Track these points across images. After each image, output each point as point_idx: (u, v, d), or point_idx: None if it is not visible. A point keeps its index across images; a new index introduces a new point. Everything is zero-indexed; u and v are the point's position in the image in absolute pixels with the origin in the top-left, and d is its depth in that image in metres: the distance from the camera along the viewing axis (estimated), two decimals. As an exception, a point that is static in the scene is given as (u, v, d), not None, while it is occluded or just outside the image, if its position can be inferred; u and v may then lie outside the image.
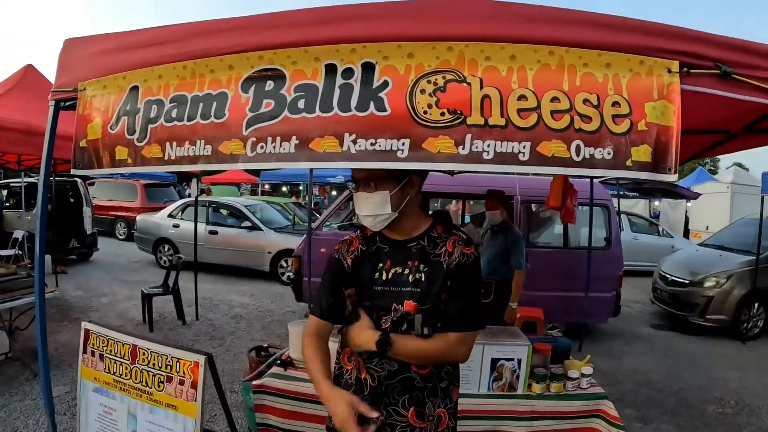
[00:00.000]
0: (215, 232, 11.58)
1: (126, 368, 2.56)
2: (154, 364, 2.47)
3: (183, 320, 7.53)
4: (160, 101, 2.31)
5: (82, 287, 9.73)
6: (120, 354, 2.60)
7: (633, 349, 7.37)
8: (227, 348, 6.52)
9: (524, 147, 1.87)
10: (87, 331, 2.76)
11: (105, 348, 2.66)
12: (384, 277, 1.99)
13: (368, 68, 1.93)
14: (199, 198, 9.06)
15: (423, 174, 2.07)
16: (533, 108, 1.87)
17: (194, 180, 7.96)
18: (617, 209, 8.87)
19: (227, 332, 7.25)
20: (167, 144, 2.26)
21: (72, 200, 12.95)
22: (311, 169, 6.68)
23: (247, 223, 11.56)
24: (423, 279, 1.93)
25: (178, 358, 2.41)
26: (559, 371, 3.45)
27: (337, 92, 1.95)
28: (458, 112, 1.87)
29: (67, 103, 2.80)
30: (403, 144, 1.89)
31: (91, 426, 2.76)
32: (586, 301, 6.64)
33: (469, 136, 1.86)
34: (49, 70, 4.35)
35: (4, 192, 13.90)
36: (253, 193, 28.23)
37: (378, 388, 1.97)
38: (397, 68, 1.91)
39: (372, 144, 1.91)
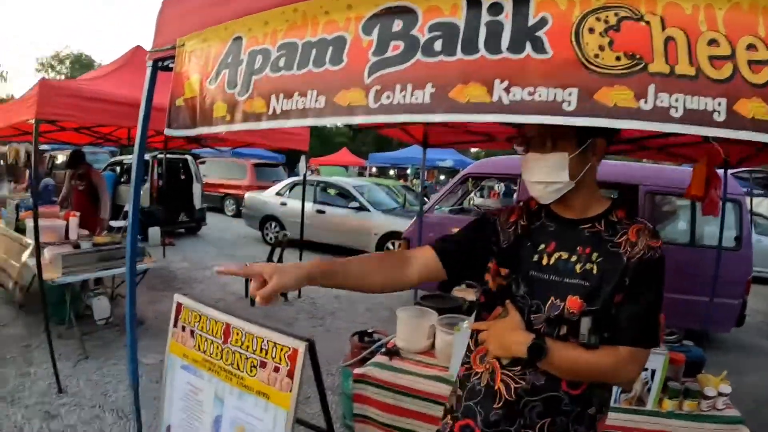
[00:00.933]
0: (322, 212, 11.60)
1: (217, 348, 2.33)
2: (248, 347, 2.21)
3: (285, 297, 7.45)
4: (266, 50, 2.01)
5: (188, 259, 10.04)
6: (212, 332, 2.36)
7: (755, 364, 6.56)
8: (327, 328, 6.41)
9: (719, 104, 1.36)
10: (179, 304, 2.56)
11: (197, 324, 2.44)
12: (545, 262, 1.61)
13: (521, 2, 1.50)
14: (308, 177, 9.06)
15: (609, 137, 1.65)
16: (727, 56, 1.37)
17: (303, 157, 7.94)
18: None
19: (328, 312, 7.14)
20: (272, 97, 1.95)
21: (183, 177, 13.46)
22: (425, 149, 6.33)
23: (354, 204, 11.46)
24: (594, 271, 1.53)
25: (275, 343, 2.13)
26: (694, 387, 2.98)
27: (482, 30, 1.53)
28: (637, 56, 1.39)
29: (165, 62, 2.61)
30: (570, 94, 1.42)
31: (175, 404, 2.57)
32: (711, 307, 5.93)
33: (652, 87, 1.38)
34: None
35: (118, 168, 14.60)
36: (360, 175, 28.45)
37: (514, 405, 1.58)
38: (557, 2, 1.47)
39: (530, 93, 1.45)
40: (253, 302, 6.95)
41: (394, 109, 1.66)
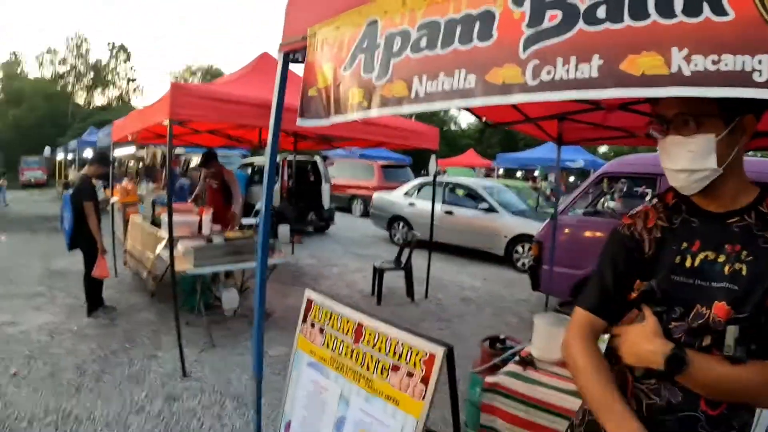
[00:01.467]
0: (451, 212, 11.44)
1: (347, 347, 2.24)
2: (380, 348, 2.09)
3: (412, 297, 7.46)
4: (405, 32, 1.88)
5: (316, 257, 10.30)
6: (343, 330, 2.28)
7: None
8: (453, 331, 6.26)
9: None
10: (310, 301, 2.51)
11: (327, 321, 2.38)
12: (689, 263, 1.36)
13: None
14: (436, 177, 8.98)
15: (759, 114, 1.36)
16: None
17: (433, 157, 7.88)
18: None
19: (455, 314, 7.00)
20: (415, 79, 1.81)
21: (312, 178, 13.86)
22: (559, 147, 6.04)
23: (483, 205, 11.19)
24: (744, 272, 1.27)
25: (411, 346, 2.00)
26: None
27: (651, -8, 1.29)
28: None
29: (296, 54, 2.56)
30: (760, 62, 1.14)
31: (299, 400, 2.52)
32: None
33: None
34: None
35: (250, 169, 15.28)
36: (487, 177, 28.06)
37: (647, 423, 1.33)
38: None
39: (714, 62, 1.19)
40: (379, 300, 7.06)
41: (557, 86, 1.45)
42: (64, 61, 57.97)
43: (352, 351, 2.21)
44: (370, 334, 2.15)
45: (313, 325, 2.45)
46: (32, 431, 4.06)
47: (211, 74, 56.35)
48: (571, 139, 5.93)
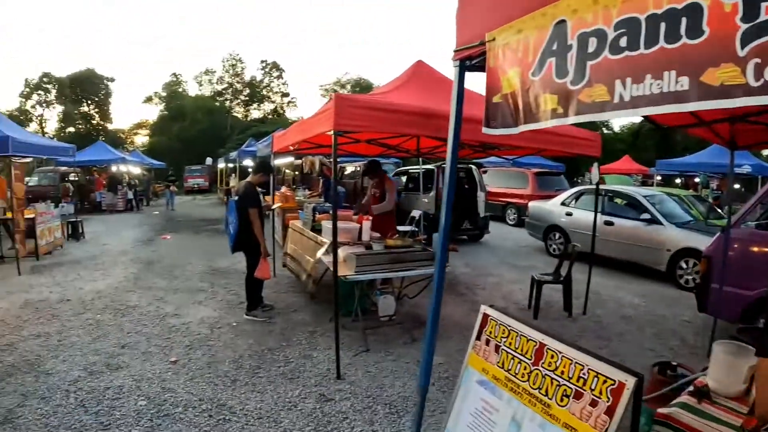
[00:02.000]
0: (611, 223, 10.65)
1: (525, 368, 2.11)
2: (562, 372, 1.95)
3: (569, 312, 7.12)
4: (600, 32, 1.75)
5: (471, 266, 10.21)
6: (522, 350, 2.16)
7: None
8: (613, 351, 5.86)
9: None
10: (486, 316, 2.41)
11: (504, 339, 2.26)
12: None
13: None
14: (593, 186, 8.51)
15: None
16: None
17: (595, 165, 7.43)
18: None
19: (614, 333, 6.59)
20: (617, 82, 1.67)
21: (467, 186, 13.75)
22: (732, 152, 5.52)
23: (645, 216, 10.28)
24: None
25: (598, 373, 1.85)
26: None
27: None
28: None
29: (473, 62, 2.48)
30: None
31: (463, 417, 2.42)
32: None
33: None
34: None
35: (404, 178, 15.50)
36: (644, 184, 26.35)
37: None
38: None
39: None
40: (536, 314, 6.82)
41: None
42: (221, 80, 63.76)
43: (530, 373, 2.08)
44: (552, 356, 2.01)
45: (488, 343, 2.35)
46: (186, 416, 4.33)
47: (360, 86, 58.30)
48: (747, 143, 5.39)
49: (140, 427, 4.18)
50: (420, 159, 10.42)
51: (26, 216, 11.96)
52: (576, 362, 1.93)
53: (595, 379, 1.85)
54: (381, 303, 6.13)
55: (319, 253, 6.52)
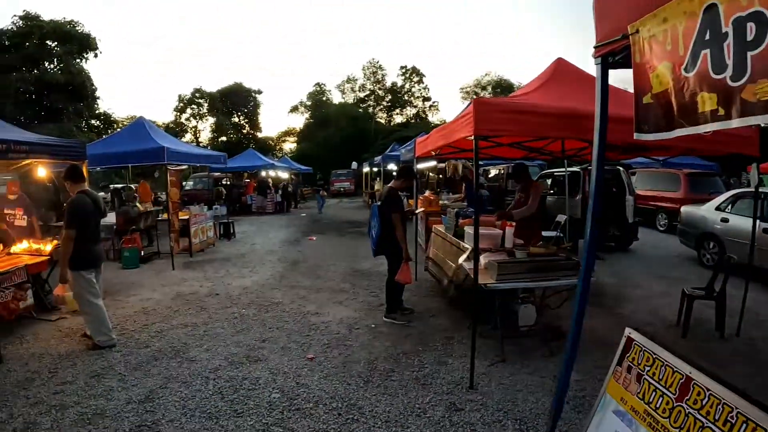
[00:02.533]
0: (771, 231, 9.31)
1: (667, 403, 1.87)
2: (708, 412, 1.69)
3: (721, 332, 6.31)
4: (759, 15, 1.48)
5: (617, 275, 9.60)
6: (666, 382, 1.91)
7: None
8: (767, 380, 5.11)
9: None
10: (630, 340, 2.17)
11: (648, 368, 2.02)
12: None
13: None
14: (751, 189, 7.57)
15: None
16: None
17: (754, 165, 6.50)
18: None
19: (769, 361, 5.78)
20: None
21: (614, 189, 12.93)
22: None
23: (812, 224, 8.81)
24: None
25: (747, 418, 1.57)
26: None
27: None
28: None
29: (617, 58, 2.26)
30: None
31: (597, 446, 2.20)
32: None
33: None
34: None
35: (549, 181, 14.92)
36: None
37: None
38: None
39: None
40: (685, 333, 6.18)
41: None
42: (363, 87, 65.42)
43: (672, 409, 1.84)
44: (698, 393, 1.76)
45: (629, 370, 2.12)
46: (316, 413, 4.42)
47: (501, 87, 57.33)
48: None
49: (271, 418, 4.35)
50: (565, 161, 9.95)
51: (181, 217, 13.05)
52: (725, 403, 1.66)
53: (744, 425, 1.58)
54: (521, 312, 5.91)
55: (461, 260, 6.40)
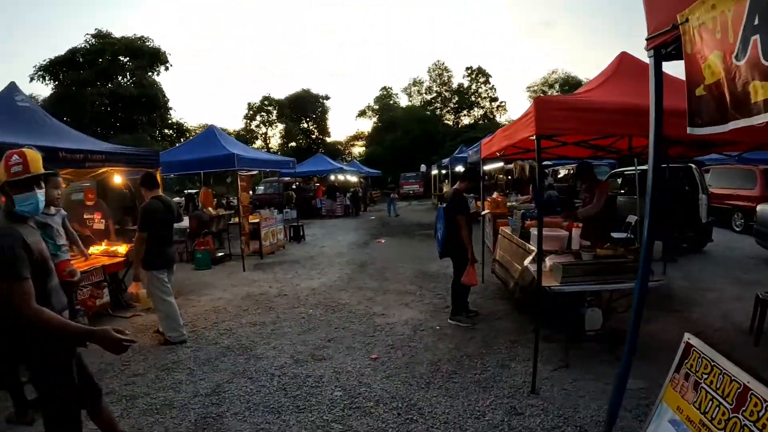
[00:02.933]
0: None
1: (724, 414, 1.78)
2: (764, 425, 1.59)
3: None
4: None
5: (690, 278, 9.19)
6: (722, 391, 1.82)
7: None
8: None
9: None
10: (688, 346, 2.10)
11: (706, 376, 1.93)
12: None
13: None
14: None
15: None
16: None
17: None
18: None
19: None
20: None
21: (687, 187, 12.38)
22: None
23: None
24: None
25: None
26: None
27: None
28: None
29: (669, 49, 2.18)
30: None
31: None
32: None
33: None
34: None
35: (619, 180, 14.41)
36: None
37: None
38: None
39: None
40: (758, 340, 5.81)
41: None
42: (429, 90, 65.03)
43: (728, 420, 1.75)
44: (755, 404, 1.67)
45: (687, 377, 2.04)
46: (376, 411, 4.47)
47: (569, 84, 55.90)
48: None
49: (332, 415, 4.43)
50: (635, 159, 9.62)
51: (251, 221, 13.44)
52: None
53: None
54: (587, 316, 5.72)
55: (526, 261, 6.28)
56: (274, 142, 63.19)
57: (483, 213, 10.77)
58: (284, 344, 6.30)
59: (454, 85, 64.25)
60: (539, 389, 4.76)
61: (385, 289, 9.03)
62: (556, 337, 5.87)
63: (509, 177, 21.17)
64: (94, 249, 8.47)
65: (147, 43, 44.28)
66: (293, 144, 60.65)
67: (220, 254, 13.36)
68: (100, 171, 8.74)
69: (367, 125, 68.11)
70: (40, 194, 2.99)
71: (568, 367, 5.25)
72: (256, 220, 13.64)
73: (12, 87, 8.45)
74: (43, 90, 48.00)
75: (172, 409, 4.70)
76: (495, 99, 64.22)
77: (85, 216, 9.23)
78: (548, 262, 5.56)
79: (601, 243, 6.06)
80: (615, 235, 7.54)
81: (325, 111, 64.30)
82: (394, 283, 9.59)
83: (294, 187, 27.24)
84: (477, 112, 64.29)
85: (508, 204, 11.86)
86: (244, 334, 6.72)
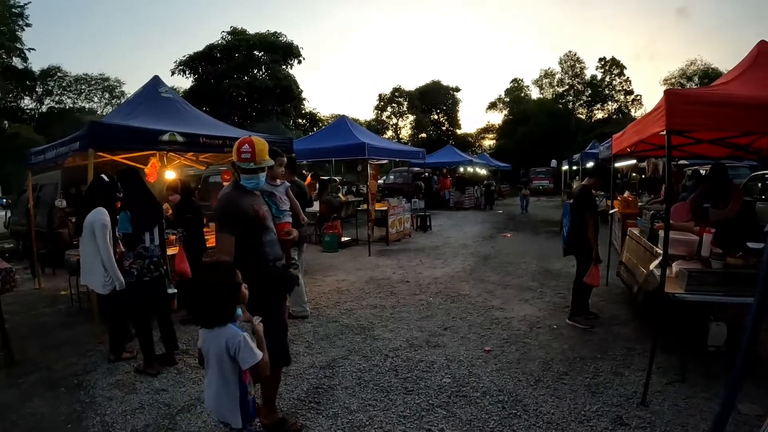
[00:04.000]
0: None
1: None
2: None
3: None
4: None
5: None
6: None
7: None
8: None
9: None
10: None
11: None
12: None
13: None
14: None
15: None
16: None
17: None
18: None
19: None
20: None
21: None
22: None
23: None
24: None
25: None
26: None
27: None
28: None
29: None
30: None
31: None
32: None
33: None
34: None
35: (760, 184, 13.25)
36: None
37: None
38: None
39: None
40: None
41: None
42: (561, 82, 62.62)
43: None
44: None
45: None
46: (481, 402, 4.54)
47: (709, 77, 51.46)
48: None
49: (438, 400, 4.57)
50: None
51: (379, 208, 13.84)
52: None
53: None
54: (711, 330, 5.30)
55: (652, 265, 5.98)
56: (405, 132, 64.26)
57: (611, 212, 10.40)
58: (401, 328, 6.54)
59: (587, 77, 61.45)
60: (649, 401, 4.54)
61: (506, 284, 9.02)
62: (676, 349, 5.51)
63: (642, 176, 20.02)
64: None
65: (280, 38, 47.65)
66: (423, 135, 61.32)
67: (346, 239, 13.89)
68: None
69: (497, 118, 67.26)
70: (262, 176, 3.86)
71: (684, 383, 4.93)
72: (384, 208, 14.04)
73: (156, 80, 9.32)
74: (184, 83, 52.72)
75: (288, 377, 5.09)
76: (630, 92, 60.62)
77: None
78: (675, 267, 5.26)
79: (733, 252, 5.66)
80: (751, 245, 6.97)
81: (455, 102, 64.44)
82: (516, 278, 9.54)
83: (423, 177, 27.53)
84: (611, 106, 61.18)
85: (639, 204, 11.36)
86: (364, 316, 7.05)
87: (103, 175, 5.64)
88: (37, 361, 5.89)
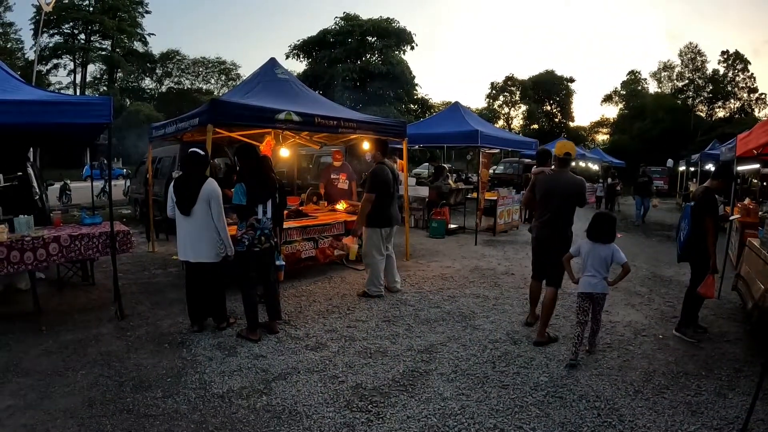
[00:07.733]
0: None
1: None
2: None
3: None
4: None
5: None
6: None
7: None
8: None
9: None
10: None
11: None
12: None
13: None
14: None
15: None
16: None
17: None
18: None
19: None
20: None
21: None
22: None
23: None
24: None
25: None
26: None
27: None
28: None
29: None
30: None
31: None
32: None
33: None
34: None
35: None
36: None
37: None
38: None
39: None
40: None
41: None
42: (680, 76, 58.42)
43: None
44: None
45: None
46: (576, 406, 4.49)
47: None
48: None
49: (531, 398, 4.60)
50: None
51: (488, 197, 13.84)
52: None
53: None
54: None
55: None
56: (516, 123, 63.24)
57: (731, 218, 9.81)
58: (502, 320, 6.61)
59: (708, 72, 56.90)
60: (750, 429, 4.25)
61: (613, 287, 8.77)
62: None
63: (764, 182, 18.51)
64: (339, 206, 9.56)
65: (393, 24, 48.33)
66: (535, 126, 60.10)
67: (453, 226, 13.99)
68: (352, 137, 9.73)
69: (612, 112, 64.42)
70: None
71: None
72: (494, 198, 14.01)
73: (272, 62, 9.74)
74: (297, 66, 55.05)
75: (385, 356, 5.34)
76: (754, 89, 55.38)
77: (331, 176, 10.42)
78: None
79: None
80: None
81: (569, 94, 62.36)
82: (624, 281, 9.14)
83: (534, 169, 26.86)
84: (733, 104, 56.43)
85: (760, 213, 10.68)
86: (466, 304, 7.17)
87: (198, 149, 5.95)
88: (145, 318, 6.47)
